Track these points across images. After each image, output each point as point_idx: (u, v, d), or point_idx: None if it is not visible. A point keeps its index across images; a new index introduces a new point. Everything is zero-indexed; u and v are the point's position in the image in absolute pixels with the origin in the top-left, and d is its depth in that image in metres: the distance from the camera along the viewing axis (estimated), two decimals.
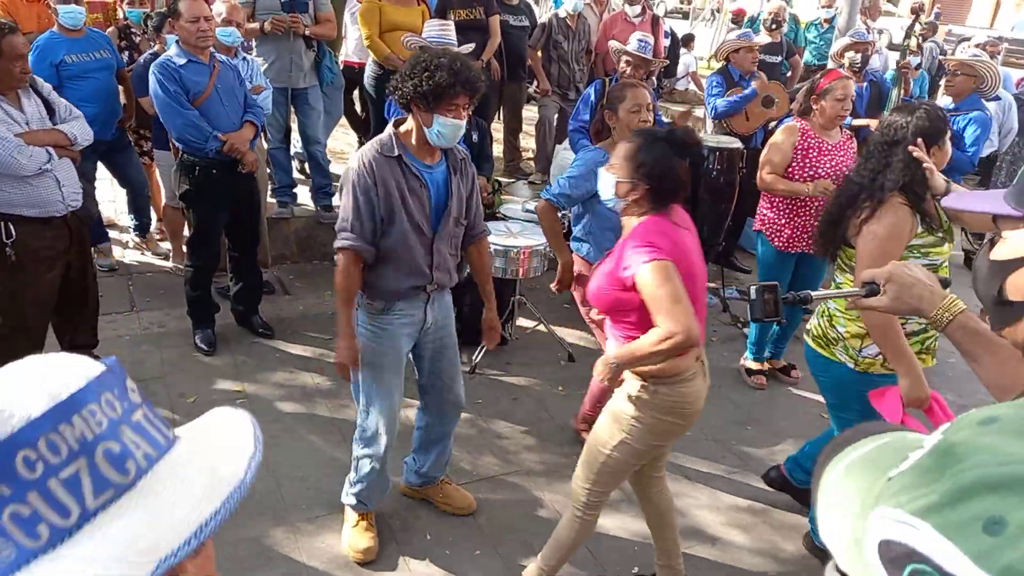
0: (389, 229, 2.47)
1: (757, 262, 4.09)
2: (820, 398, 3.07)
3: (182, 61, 3.65)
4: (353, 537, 2.81)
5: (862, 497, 0.51)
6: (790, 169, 3.72)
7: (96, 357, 0.73)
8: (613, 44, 4.88)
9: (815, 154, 3.69)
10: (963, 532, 0.40)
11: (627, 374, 2.24)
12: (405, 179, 2.45)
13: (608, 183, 2.24)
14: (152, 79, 3.64)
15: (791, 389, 4.17)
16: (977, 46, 6.45)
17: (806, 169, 3.69)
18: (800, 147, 3.69)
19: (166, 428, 0.73)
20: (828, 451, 0.61)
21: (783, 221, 3.80)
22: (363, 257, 2.48)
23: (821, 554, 2.91)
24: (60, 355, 0.70)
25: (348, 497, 2.84)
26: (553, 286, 3.39)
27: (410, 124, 2.49)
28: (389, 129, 2.51)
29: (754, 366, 4.15)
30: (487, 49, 5.52)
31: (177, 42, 3.73)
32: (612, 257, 2.22)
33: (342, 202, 2.52)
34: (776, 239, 3.83)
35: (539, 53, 6.28)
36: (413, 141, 2.48)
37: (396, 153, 2.44)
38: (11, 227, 3.10)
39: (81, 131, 3.29)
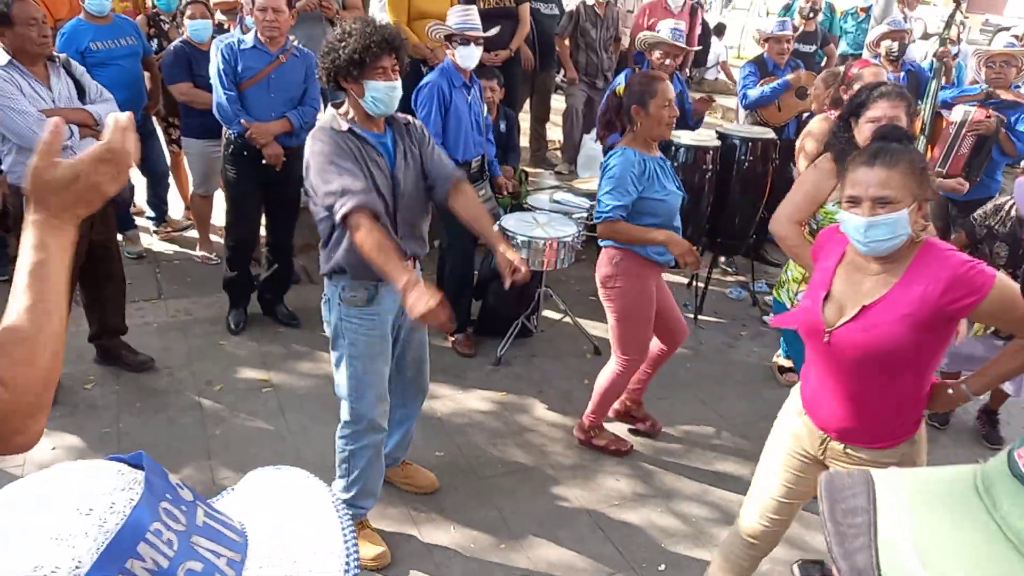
0: None
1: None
2: None
3: (248, 44, 3.78)
4: (360, 549, 2.69)
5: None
6: None
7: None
8: (644, 35, 4.79)
9: None
10: None
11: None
12: (363, 148, 2.36)
13: (897, 223, 1.80)
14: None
15: None
16: (1015, 36, 6.25)
17: None
18: None
19: (230, 519, 0.61)
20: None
21: None
22: (376, 211, 2.27)
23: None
24: (78, 467, 0.56)
25: None
26: (689, 265, 2.91)
27: (346, 103, 2.43)
28: (329, 111, 2.46)
29: (787, 363, 4.07)
30: (516, 37, 5.46)
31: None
32: (898, 300, 1.84)
33: (314, 182, 2.30)
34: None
35: (567, 41, 6.21)
36: (354, 116, 2.41)
37: (346, 127, 2.36)
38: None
39: (108, 113, 3.26)
